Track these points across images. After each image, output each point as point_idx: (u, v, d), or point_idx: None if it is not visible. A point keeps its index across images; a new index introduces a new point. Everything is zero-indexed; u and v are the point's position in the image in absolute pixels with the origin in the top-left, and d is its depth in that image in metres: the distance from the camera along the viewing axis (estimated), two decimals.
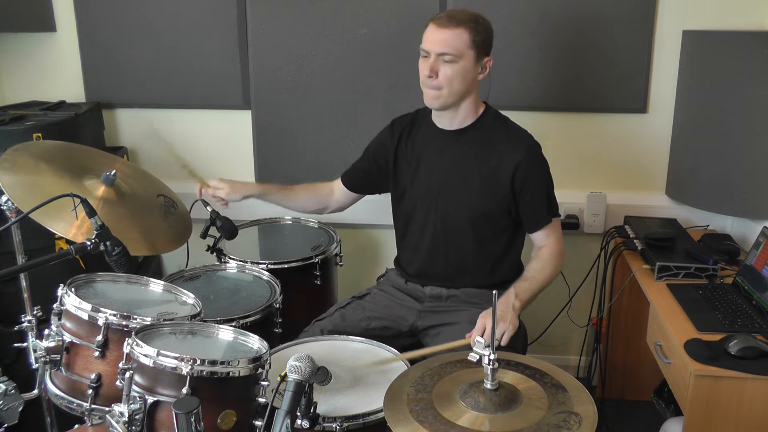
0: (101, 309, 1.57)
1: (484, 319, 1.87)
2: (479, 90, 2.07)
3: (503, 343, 1.86)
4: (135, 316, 1.58)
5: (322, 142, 2.77)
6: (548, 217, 2.06)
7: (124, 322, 1.57)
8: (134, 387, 1.44)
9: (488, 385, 1.38)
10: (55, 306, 1.65)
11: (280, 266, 2.29)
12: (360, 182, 2.31)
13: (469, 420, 1.32)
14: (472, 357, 1.41)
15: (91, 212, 1.61)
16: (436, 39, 1.95)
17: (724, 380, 1.76)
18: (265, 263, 2.29)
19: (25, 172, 1.90)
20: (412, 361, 1.78)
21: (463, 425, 1.31)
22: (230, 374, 1.45)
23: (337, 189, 2.36)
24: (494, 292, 1.39)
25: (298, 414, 1.43)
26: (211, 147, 2.88)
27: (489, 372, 1.37)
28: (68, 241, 1.74)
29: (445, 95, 1.99)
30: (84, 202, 1.60)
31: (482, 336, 1.79)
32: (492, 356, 1.37)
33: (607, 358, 2.70)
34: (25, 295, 1.94)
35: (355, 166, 2.31)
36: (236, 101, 2.79)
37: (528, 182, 2.01)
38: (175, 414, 1.31)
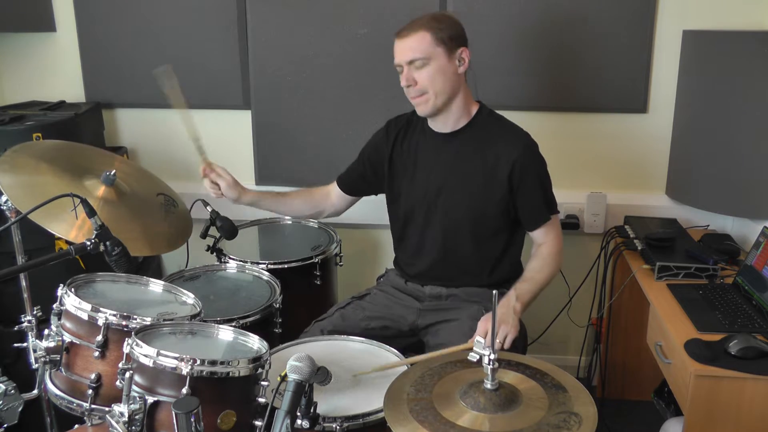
0: (101, 309, 1.57)
1: (486, 323, 1.86)
2: (468, 88, 2.05)
3: (506, 346, 1.85)
4: (135, 316, 1.58)
5: (322, 142, 2.77)
6: (547, 214, 2.06)
7: (124, 322, 1.57)
8: (134, 387, 1.44)
9: (488, 385, 1.38)
10: (55, 306, 1.64)
11: (280, 266, 2.29)
12: (356, 185, 2.31)
13: (469, 420, 1.32)
14: (472, 357, 1.41)
15: (91, 212, 1.61)
16: (402, 49, 1.98)
17: (724, 380, 1.75)
18: (265, 263, 2.29)
19: (25, 172, 1.90)
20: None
21: (463, 425, 1.31)
22: (230, 374, 1.45)
23: (334, 192, 2.35)
24: (494, 292, 1.38)
25: (298, 414, 1.43)
26: (211, 147, 2.86)
27: (489, 372, 1.37)
28: (68, 242, 1.73)
29: (431, 98, 2.00)
30: (84, 202, 1.60)
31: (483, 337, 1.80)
32: (492, 356, 1.37)
33: (607, 358, 2.70)
34: (25, 295, 1.94)
35: (351, 168, 2.31)
36: (236, 101, 2.79)
37: (525, 180, 2.01)
38: (175, 414, 1.31)
